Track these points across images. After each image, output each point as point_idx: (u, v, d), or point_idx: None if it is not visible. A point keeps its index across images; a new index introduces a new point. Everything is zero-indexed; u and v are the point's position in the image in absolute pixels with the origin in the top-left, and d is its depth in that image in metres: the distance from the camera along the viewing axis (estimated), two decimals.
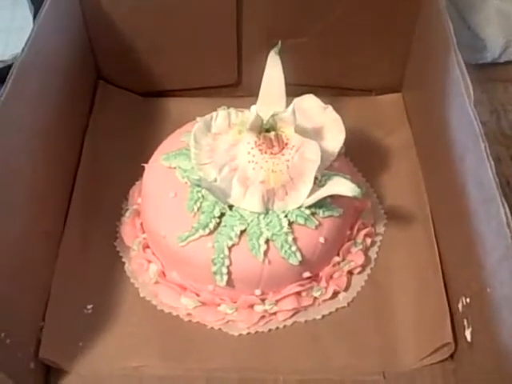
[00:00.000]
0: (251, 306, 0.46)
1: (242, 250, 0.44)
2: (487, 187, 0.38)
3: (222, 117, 0.48)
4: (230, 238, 0.44)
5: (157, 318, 0.47)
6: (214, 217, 0.44)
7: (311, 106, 0.49)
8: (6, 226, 0.42)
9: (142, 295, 0.48)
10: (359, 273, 0.49)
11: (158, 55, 0.60)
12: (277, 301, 0.46)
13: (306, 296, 0.47)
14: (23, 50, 0.46)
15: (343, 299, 0.48)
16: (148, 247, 0.49)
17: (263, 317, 0.46)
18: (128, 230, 0.50)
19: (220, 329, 0.46)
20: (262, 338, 0.46)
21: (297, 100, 0.49)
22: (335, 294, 0.48)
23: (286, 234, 0.44)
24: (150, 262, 0.48)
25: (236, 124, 0.48)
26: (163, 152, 0.49)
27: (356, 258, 0.49)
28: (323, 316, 0.47)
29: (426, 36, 0.56)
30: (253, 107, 0.44)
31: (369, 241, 0.50)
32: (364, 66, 0.61)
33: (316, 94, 0.61)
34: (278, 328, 0.46)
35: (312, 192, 0.45)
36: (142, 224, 0.50)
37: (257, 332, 0.46)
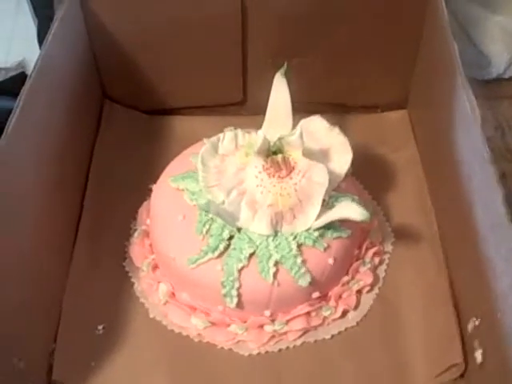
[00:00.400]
0: (261, 326, 0.46)
1: (251, 272, 0.44)
2: (495, 212, 0.38)
3: (228, 138, 0.48)
4: (240, 261, 0.44)
5: (167, 338, 0.47)
6: (223, 239, 0.45)
7: (318, 128, 0.49)
8: (16, 248, 0.42)
9: (151, 315, 0.48)
10: (368, 291, 0.49)
11: (162, 74, 0.60)
12: (287, 321, 0.46)
13: (316, 316, 0.47)
14: (31, 74, 0.46)
15: (352, 318, 0.48)
16: (157, 268, 0.49)
17: (273, 337, 0.47)
18: (137, 251, 0.50)
19: (230, 349, 0.46)
20: (272, 359, 0.46)
21: (303, 121, 0.50)
22: (344, 313, 0.48)
23: (295, 256, 0.44)
24: (159, 282, 0.48)
25: (243, 146, 0.48)
26: (171, 173, 0.50)
27: (365, 277, 0.49)
28: (332, 336, 0.47)
29: (430, 53, 0.56)
30: (260, 131, 0.45)
31: (377, 259, 0.50)
32: (369, 83, 0.61)
33: (321, 111, 0.61)
34: (287, 348, 0.46)
35: (320, 214, 0.45)
36: (150, 245, 0.50)
37: (267, 352, 0.46)
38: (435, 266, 0.50)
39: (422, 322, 0.47)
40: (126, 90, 0.61)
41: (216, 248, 0.44)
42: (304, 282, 0.44)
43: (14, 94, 0.64)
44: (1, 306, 0.39)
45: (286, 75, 0.50)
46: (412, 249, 0.52)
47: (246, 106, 0.63)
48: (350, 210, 0.44)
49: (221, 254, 0.44)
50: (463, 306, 0.46)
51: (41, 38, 0.51)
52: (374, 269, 0.50)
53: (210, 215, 0.46)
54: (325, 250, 0.45)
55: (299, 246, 0.45)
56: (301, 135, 0.44)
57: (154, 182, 0.54)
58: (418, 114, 0.61)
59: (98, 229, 0.52)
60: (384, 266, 0.51)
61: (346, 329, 0.47)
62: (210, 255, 0.44)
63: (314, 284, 0.45)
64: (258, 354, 0.46)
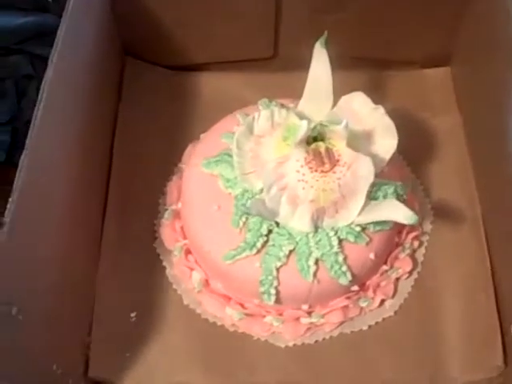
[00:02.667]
0: (297, 319, 0.46)
1: (290, 270, 0.43)
2: None
3: (264, 117, 0.45)
4: (279, 259, 0.42)
5: (201, 327, 0.46)
6: (262, 235, 0.43)
7: (361, 106, 0.46)
8: (47, 243, 0.40)
9: (185, 303, 0.47)
10: (406, 277, 0.48)
11: (187, 26, 0.55)
12: (324, 314, 0.45)
13: (353, 307, 0.46)
14: (58, 38, 0.42)
15: (390, 307, 0.47)
16: (190, 253, 0.47)
17: (309, 328, 0.46)
18: (168, 233, 0.49)
19: (266, 340, 0.46)
20: (309, 350, 0.46)
21: (345, 98, 0.46)
22: (382, 301, 0.47)
23: (336, 253, 0.42)
24: (192, 269, 0.47)
25: (280, 124, 0.45)
26: (203, 154, 0.47)
27: (404, 264, 0.47)
28: (370, 326, 0.46)
29: (483, 5, 0.51)
30: (304, 122, 0.41)
31: (416, 243, 0.49)
32: (409, 36, 0.56)
33: (357, 67, 0.58)
34: (324, 339, 0.46)
35: (363, 207, 0.43)
36: (182, 228, 0.48)
37: (303, 344, 0.46)
38: (476, 252, 0.48)
39: (461, 313, 0.46)
40: (149, 45, 0.56)
41: (254, 245, 0.42)
42: (345, 280, 0.43)
43: (18, 9, 0.60)
44: (40, 310, 0.38)
45: (326, 45, 0.46)
46: (452, 231, 0.50)
47: (276, 61, 0.58)
48: (397, 212, 0.41)
49: (259, 251, 0.43)
50: (506, 303, 0.44)
51: None
52: (413, 252, 0.49)
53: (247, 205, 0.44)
54: (366, 244, 0.43)
55: (340, 241, 0.43)
56: (346, 126, 0.41)
57: (183, 150, 0.52)
58: (463, 73, 0.56)
59: (127, 206, 0.50)
60: (423, 250, 0.49)
61: (383, 319, 0.47)
62: (247, 252, 0.42)
63: (353, 279, 0.43)
64: (294, 345, 0.46)
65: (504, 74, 0.47)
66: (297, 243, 0.42)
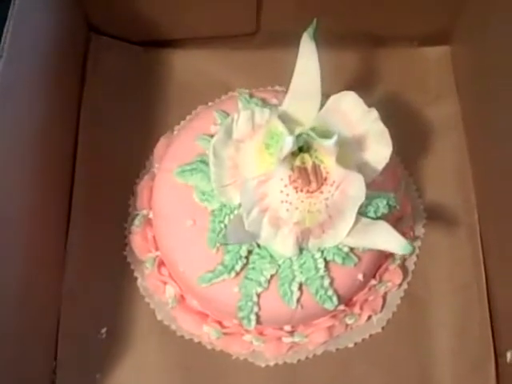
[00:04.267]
0: (279, 338, 0.43)
1: (271, 294, 0.39)
2: None
3: (244, 118, 0.40)
4: (259, 284, 0.39)
5: (177, 345, 0.43)
6: (241, 257, 0.39)
7: (351, 109, 0.41)
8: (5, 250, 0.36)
9: (159, 318, 0.44)
10: (396, 289, 0.45)
11: None
12: (307, 334, 0.42)
13: (339, 324, 0.43)
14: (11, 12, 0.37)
15: (377, 322, 0.44)
16: (163, 265, 0.44)
17: (292, 347, 0.43)
18: (138, 242, 0.45)
19: (246, 359, 0.43)
20: (291, 370, 0.43)
21: (334, 98, 0.41)
22: (369, 317, 0.44)
23: (322, 277, 0.39)
24: (165, 283, 0.43)
25: (261, 126, 0.40)
26: (176, 158, 0.42)
27: (394, 276, 0.44)
28: (356, 343, 0.44)
29: None
30: (289, 138, 0.36)
31: None
32: (406, 9, 0.51)
33: (349, 43, 0.53)
34: (307, 358, 0.43)
35: (353, 225, 0.39)
36: (154, 237, 0.44)
37: (285, 363, 0.43)
38: (471, 261, 0.46)
39: (453, 333, 0.44)
40: (115, 18, 0.50)
41: (232, 268, 0.39)
42: (331, 305, 0.39)
43: None
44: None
45: (315, 36, 0.41)
46: (445, 235, 0.47)
47: (257, 37, 0.52)
48: (390, 241, 0.37)
49: (238, 274, 0.39)
50: (500, 324, 0.42)
51: None
52: (404, 261, 0.45)
53: (224, 223, 0.40)
54: (355, 265, 0.40)
55: (326, 263, 0.39)
56: (336, 142, 0.36)
57: (155, 141, 0.48)
58: (464, 53, 0.51)
59: (93, 207, 0.46)
60: (414, 257, 0.46)
61: (370, 335, 0.44)
62: (225, 276, 0.39)
63: (340, 301, 0.40)
64: (276, 364, 0.43)
65: (509, 55, 0.42)
66: (279, 266, 0.39)
